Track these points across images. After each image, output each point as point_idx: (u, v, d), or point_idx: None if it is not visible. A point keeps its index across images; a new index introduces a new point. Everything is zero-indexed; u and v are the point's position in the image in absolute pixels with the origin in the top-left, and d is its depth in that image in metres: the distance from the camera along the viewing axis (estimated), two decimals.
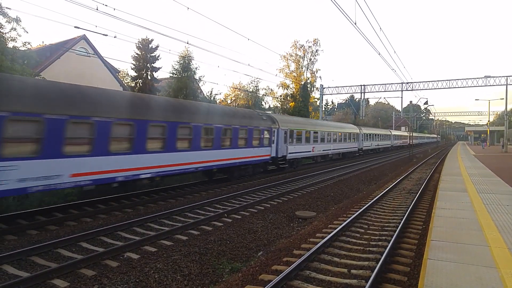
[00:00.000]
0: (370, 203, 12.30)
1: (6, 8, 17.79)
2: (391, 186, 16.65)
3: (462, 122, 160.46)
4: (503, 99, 44.96)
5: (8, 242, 7.99)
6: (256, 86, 50.85)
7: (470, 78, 51.44)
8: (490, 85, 50.32)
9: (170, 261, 7.09)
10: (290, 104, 49.66)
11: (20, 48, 19.64)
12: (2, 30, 17.96)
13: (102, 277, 6.28)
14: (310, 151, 25.52)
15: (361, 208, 11.44)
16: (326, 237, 8.25)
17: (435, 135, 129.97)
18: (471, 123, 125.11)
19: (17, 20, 18.45)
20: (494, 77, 49.18)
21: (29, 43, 20.33)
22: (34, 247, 7.37)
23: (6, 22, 18.14)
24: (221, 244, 8.33)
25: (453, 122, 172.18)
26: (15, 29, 18.64)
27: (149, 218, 10.06)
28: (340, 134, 31.83)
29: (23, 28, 18.92)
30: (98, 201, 11.84)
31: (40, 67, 24.84)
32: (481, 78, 50.50)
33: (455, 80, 52.71)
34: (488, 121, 67.04)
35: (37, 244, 7.63)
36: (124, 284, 6.08)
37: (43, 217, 10.06)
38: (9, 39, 18.57)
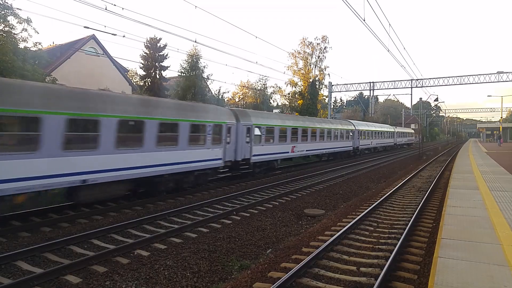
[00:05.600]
0: (379, 201, 12.22)
1: (17, 9, 18.12)
2: (400, 184, 16.49)
3: (473, 119, 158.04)
4: None
5: (22, 239, 8.16)
6: (264, 84, 50.82)
7: (482, 74, 50.65)
8: (503, 81, 49.46)
9: (180, 258, 7.16)
10: (298, 102, 49.53)
11: (31, 49, 19.97)
12: (13, 31, 18.28)
13: (114, 274, 6.38)
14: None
15: (370, 206, 11.37)
16: (335, 235, 8.23)
17: (410, 130, 67.00)
18: (483, 120, 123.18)
19: (28, 21, 18.75)
20: (508, 72, 48.28)
21: (39, 44, 20.69)
22: (47, 243, 7.52)
23: (17, 23, 18.46)
24: (230, 241, 8.38)
25: (464, 119, 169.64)
26: (26, 30, 18.98)
27: (159, 216, 10.16)
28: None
29: (33, 29, 19.25)
30: (108, 199, 11.96)
31: (50, 67, 25.24)
32: (493, 73, 49.67)
33: (466, 76, 51.96)
34: (501, 117, 65.96)
35: (50, 241, 7.79)
36: (134, 281, 6.17)
37: (55, 214, 10.25)
38: (21, 40, 18.92)
